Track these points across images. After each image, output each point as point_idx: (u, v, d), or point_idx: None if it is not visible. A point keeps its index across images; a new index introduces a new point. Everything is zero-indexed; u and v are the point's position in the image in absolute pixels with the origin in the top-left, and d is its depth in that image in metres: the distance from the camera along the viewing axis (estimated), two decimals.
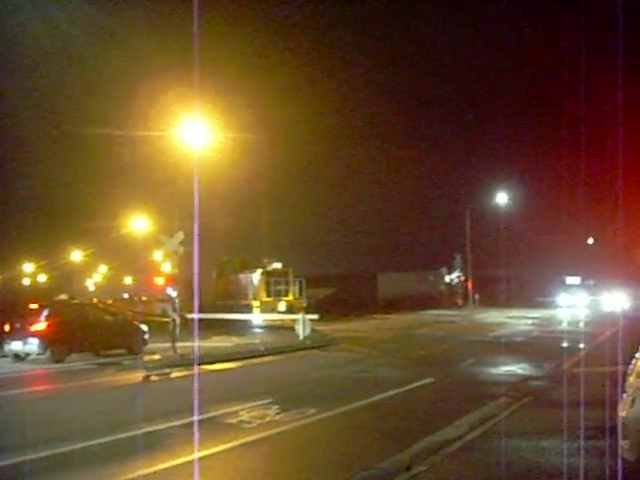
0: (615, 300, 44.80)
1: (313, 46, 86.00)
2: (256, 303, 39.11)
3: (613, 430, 7.15)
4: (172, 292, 21.22)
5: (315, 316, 25.30)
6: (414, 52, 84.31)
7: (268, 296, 39.43)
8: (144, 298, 58.15)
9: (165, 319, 28.07)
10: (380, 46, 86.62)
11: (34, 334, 19.79)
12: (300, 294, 40.90)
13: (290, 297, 39.86)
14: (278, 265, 41.26)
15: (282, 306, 38.76)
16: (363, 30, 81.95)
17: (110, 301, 61.23)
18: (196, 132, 20.80)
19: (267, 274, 40.06)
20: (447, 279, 62.78)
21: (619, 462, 6.66)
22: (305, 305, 39.04)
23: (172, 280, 21.37)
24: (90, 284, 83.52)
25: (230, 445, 8.93)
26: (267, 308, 38.28)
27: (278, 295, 39.54)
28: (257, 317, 36.56)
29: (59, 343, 19.83)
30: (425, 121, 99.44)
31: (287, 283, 40.37)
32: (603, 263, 48.86)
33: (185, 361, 18.30)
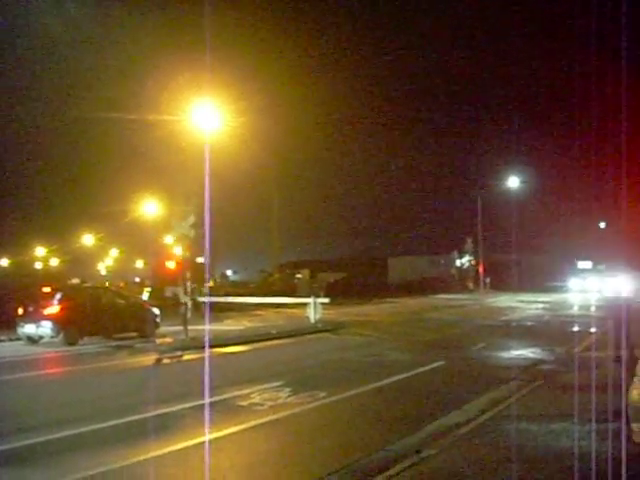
0: (621, 285, 44.55)
1: (325, 31, 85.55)
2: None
3: (624, 413, 7.15)
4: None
5: (326, 300, 25.37)
6: (425, 36, 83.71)
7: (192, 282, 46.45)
8: None
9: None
10: (392, 31, 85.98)
11: (47, 317, 19.96)
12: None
13: (211, 283, 48.13)
14: (201, 259, 47.71)
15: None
16: (375, 15, 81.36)
17: (122, 284, 61.62)
18: (207, 116, 20.80)
19: None
20: (458, 263, 62.75)
21: (628, 445, 6.68)
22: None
23: (183, 264, 21.49)
24: (102, 268, 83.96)
25: (242, 427, 8.99)
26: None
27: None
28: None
29: (72, 326, 19.98)
30: (436, 105, 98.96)
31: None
32: (615, 247, 48.58)
33: (197, 344, 18.39)
